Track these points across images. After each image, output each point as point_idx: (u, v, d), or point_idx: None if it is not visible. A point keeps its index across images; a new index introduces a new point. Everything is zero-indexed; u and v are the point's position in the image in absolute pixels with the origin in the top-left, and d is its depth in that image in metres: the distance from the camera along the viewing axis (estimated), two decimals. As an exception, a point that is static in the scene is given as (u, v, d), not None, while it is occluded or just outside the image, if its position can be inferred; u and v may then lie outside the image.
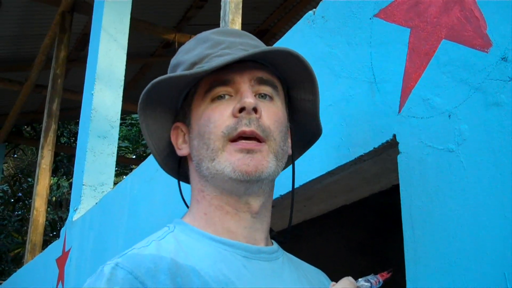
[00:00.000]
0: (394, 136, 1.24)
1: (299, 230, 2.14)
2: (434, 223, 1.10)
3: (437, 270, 1.07)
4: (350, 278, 0.90)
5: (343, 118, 1.41)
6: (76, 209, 3.80)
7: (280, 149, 1.02)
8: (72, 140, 12.37)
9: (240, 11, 2.72)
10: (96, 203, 3.45)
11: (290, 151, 1.09)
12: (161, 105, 1.07)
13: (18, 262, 10.69)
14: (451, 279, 1.04)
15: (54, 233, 11.74)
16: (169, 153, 1.12)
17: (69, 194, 10.98)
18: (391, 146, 1.26)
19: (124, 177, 5.48)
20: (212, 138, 0.99)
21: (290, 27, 1.76)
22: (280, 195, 1.56)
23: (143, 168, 2.78)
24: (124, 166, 12.71)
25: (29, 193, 12.13)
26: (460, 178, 1.07)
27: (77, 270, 3.47)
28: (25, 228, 11.04)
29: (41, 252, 4.93)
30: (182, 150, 1.07)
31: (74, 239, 3.68)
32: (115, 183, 3.82)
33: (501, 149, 1.00)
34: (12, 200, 12.40)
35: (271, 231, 1.08)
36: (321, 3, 1.60)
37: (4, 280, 7.26)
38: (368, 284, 0.89)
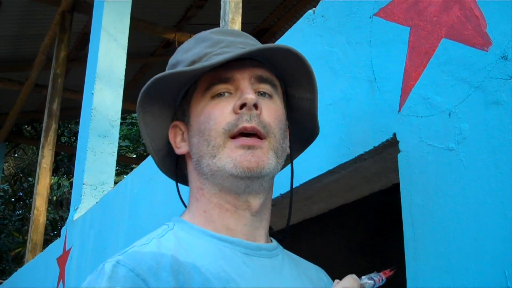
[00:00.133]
0: (394, 134, 1.24)
1: (299, 230, 2.14)
2: (435, 222, 1.10)
3: (438, 269, 1.07)
4: (354, 276, 0.90)
5: (343, 117, 1.41)
6: (77, 209, 3.80)
7: (279, 146, 1.02)
8: (72, 140, 12.37)
9: (240, 10, 2.72)
10: (96, 203, 3.45)
11: (288, 150, 1.09)
12: (159, 103, 1.07)
13: (18, 261, 10.69)
14: (452, 278, 1.04)
15: (55, 232, 11.75)
16: (166, 153, 1.12)
17: (70, 193, 10.99)
18: (391, 145, 1.26)
19: (125, 176, 5.48)
20: (213, 135, 0.99)
21: (290, 26, 1.76)
22: (280, 194, 1.56)
23: (144, 168, 2.78)
24: (124, 165, 12.72)
25: (29, 192, 12.13)
26: (460, 176, 1.07)
27: (78, 269, 3.47)
28: (26, 227, 11.04)
29: (42, 251, 4.93)
30: (180, 148, 1.07)
31: (74, 238, 3.68)
32: (115, 183, 3.82)
33: (501, 147, 1.00)
34: (13, 200, 12.40)
35: (270, 228, 1.08)
36: (321, 2, 1.60)
37: (5, 280, 7.26)
38: (371, 281, 0.89)
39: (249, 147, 0.97)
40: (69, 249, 3.70)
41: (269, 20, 7.05)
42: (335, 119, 1.43)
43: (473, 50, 1.09)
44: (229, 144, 0.98)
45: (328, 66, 1.50)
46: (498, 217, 0.98)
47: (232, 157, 0.97)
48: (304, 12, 1.68)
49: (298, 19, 1.72)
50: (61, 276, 3.73)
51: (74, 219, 3.78)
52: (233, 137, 0.98)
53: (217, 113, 1.00)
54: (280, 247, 1.08)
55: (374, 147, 1.29)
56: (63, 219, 11.50)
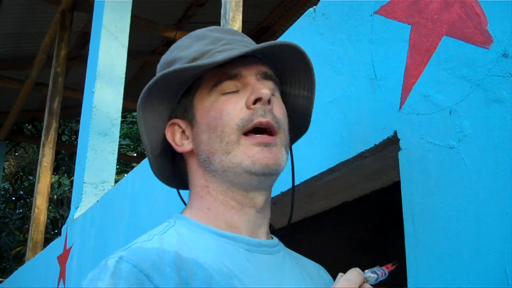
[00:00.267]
0: (395, 132, 1.24)
1: (299, 228, 2.14)
2: (435, 220, 1.10)
3: (438, 266, 1.07)
4: (357, 269, 0.90)
5: (344, 114, 1.41)
6: (77, 207, 3.80)
7: (287, 142, 1.04)
8: (73, 138, 12.37)
9: (241, 9, 2.72)
10: (97, 201, 3.46)
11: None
12: (159, 100, 1.06)
13: (19, 260, 10.70)
14: (452, 275, 1.04)
15: (56, 231, 11.74)
16: (159, 153, 1.09)
17: (70, 192, 11.00)
18: (392, 143, 1.26)
19: (125, 175, 5.48)
20: (227, 131, 0.98)
21: (291, 24, 1.76)
22: (281, 192, 1.56)
23: (144, 166, 2.78)
24: (125, 164, 12.72)
25: (30, 191, 12.12)
26: (461, 174, 1.07)
27: (78, 267, 3.48)
28: (27, 226, 11.05)
29: (43, 250, 4.93)
30: (182, 146, 1.06)
31: (75, 236, 3.68)
32: (116, 181, 3.82)
33: (502, 145, 1.00)
34: (13, 198, 12.40)
35: (270, 225, 1.09)
36: (321, 0, 1.60)
37: (5, 278, 7.27)
38: (374, 275, 0.89)
39: (266, 144, 0.98)
40: (70, 248, 3.71)
41: (269, 18, 7.05)
42: (335, 117, 1.43)
43: (474, 47, 1.09)
44: (243, 141, 0.98)
45: (328, 64, 1.50)
46: (499, 215, 0.98)
47: (249, 154, 0.97)
48: (305, 11, 1.68)
49: (298, 17, 1.72)
50: (62, 275, 3.74)
51: (74, 217, 3.78)
52: (245, 133, 0.98)
53: (230, 109, 0.99)
54: (281, 244, 1.08)
55: (375, 145, 1.29)
56: (64, 218, 11.50)
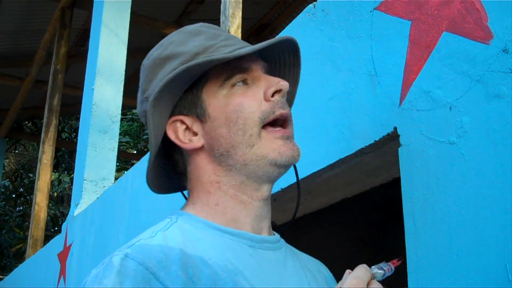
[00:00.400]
0: (395, 128, 1.24)
1: (300, 224, 2.14)
2: (435, 216, 1.10)
3: (438, 262, 1.07)
4: (365, 266, 0.89)
5: (344, 111, 1.41)
6: (77, 204, 3.80)
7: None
8: (73, 136, 12.38)
9: (241, 6, 2.72)
10: (97, 198, 3.46)
11: None
12: (166, 97, 1.02)
13: (19, 257, 10.71)
14: (453, 271, 1.04)
15: (56, 228, 11.75)
16: (157, 151, 1.05)
17: (70, 189, 11.00)
18: (392, 139, 1.26)
19: (125, 172, 5.48)
20: (249, 124, 0.98)
21: (291, 21, 1.76)
22: (281, 189, 1.56)
23: (144, 163, 2.78)
24: (125, 161, 12.71)
25: (30, 188, 12.13)
26: (461, 170, 1.07)
27: (79, 264, 3.48)
28: (27, 223, 11.05)
29: (43, 247, 4.94)
30: (191, 143, 1.02)
31: (75, 234, 3.69)
32: (116, 178, 3.82)
33: (502, 141, 1.00)
34: (14, 196, 12.40)
35: (272, 222, 1.08)
36: (321, -4, 1.60)
37: (6, 275, 7.28)
38: (381, 271, 0.89)
39: (288, 137, 1.00)
40: (70, 245, 3.71)
41: (269, 15, 7.04)
42: (335, 113, 1.43)
43: (474, 43, 1.09)
44: (264, 134, 0.99)
45: (328, 60, 1.49)
46: (499, 211, 0.98)
47: (274, 147, 0.98)
48: (305, 7, 1.68)
49: (298, 14, 1.72)
50: (62, 272, 3.74)
51: (74, 214, 3.79)
52: (264, 126, 0.99)
53: (250, 102, 0.99)
54: (283, 240, 1.08)
55: (375, 141, 1.29)
56: (64, 215, 11.51)
